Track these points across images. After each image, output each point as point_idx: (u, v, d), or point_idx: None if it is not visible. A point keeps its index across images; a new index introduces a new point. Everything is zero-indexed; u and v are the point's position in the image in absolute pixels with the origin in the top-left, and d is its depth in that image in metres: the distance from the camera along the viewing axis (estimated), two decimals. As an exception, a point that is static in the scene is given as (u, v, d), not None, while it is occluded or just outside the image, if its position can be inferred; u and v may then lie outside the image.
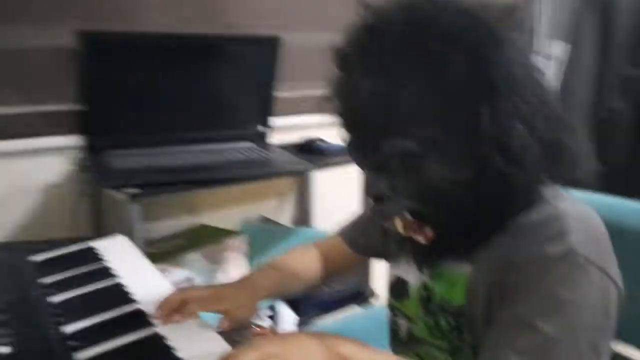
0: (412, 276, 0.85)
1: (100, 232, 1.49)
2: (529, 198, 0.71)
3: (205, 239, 1.57)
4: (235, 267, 1.50)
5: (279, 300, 1.53)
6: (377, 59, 0.65)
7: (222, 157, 1.54)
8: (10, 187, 1.41)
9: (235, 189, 1.76)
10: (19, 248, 1.09)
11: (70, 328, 0.78)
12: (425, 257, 0.78)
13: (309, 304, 1.57)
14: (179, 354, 0.72)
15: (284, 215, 1.94)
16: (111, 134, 1.51)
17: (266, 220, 1.84)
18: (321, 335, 0.66)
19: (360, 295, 1.75)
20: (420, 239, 0.73)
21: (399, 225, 0.73)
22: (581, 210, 0.71)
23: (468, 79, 0.63)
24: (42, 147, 1.45)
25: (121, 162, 1.40)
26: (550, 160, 0.70)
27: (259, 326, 1.46)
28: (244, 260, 1.55)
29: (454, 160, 0.66)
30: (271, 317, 1.51)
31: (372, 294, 1.80)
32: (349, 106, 0.70)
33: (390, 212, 0.71)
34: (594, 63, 2.20)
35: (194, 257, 1.45)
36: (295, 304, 1.56)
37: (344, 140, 0.73)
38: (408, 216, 0.72)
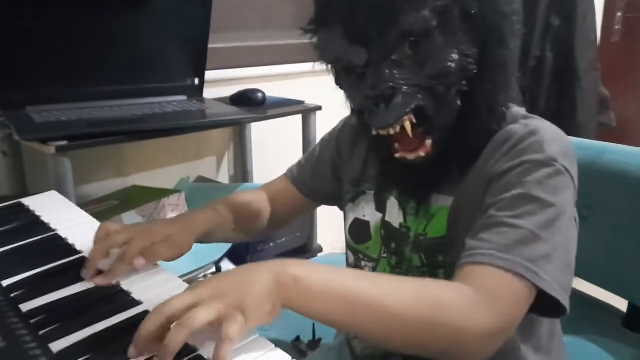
0: (372, 216, 0.84)
1: (24, 193, 1.38)
2: (507, 103, 0.74)
3: (139, 199, 1.49)
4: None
5: (225, 260, 1.50)
6: None
7: (154, 110, 1.46)
8: None
9: (167, 149, 1.68)
10: None
11: (10, 281, 0.71)
12: (415, 186, 0.77)
13: (255, 259, 1.54)
14: (134, 295, 0.68)
15: (222, 173, 1.88)
16: (30, 88, 1.39)
17: (204, 180, 1.79)
18: (269, 263, 0.59)
19: (307, 248, 1.74)
20: (420, 154, 0.71)
21: (408, 127, 0.69)
22: (553, 128, 0.73)
23: None
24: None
25: (44, 117, 1.29)
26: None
27: (204, 284, 1.42)
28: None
29: (461, 37, 0.67)
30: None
31: (319, 248, 1.80)
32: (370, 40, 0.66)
33: (401, 110, 0.68)
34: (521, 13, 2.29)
35: (131, 215, 1.38)
36: (241, 261, 1.53)
37: (337, 50, 0.69)
38: (413, 118, 0.69)
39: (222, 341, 0.51)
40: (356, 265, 0.87)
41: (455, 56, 0.67)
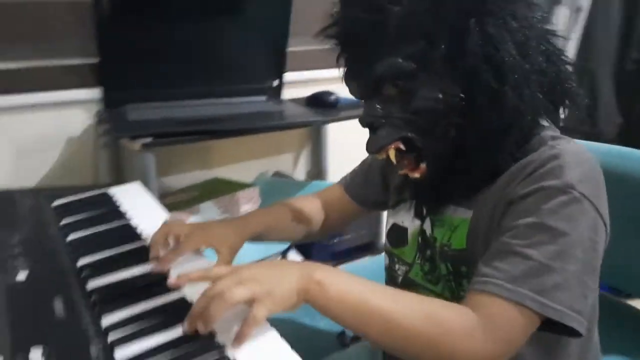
0: (410, 223, 0.88)
1: (120, 182, 1.57)
2: (521, 134, 0.73)
3: (219, 191, 1.63)
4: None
5: (292, 250, 1.60)
6: None
7: (235, 110, 1.58)
8: (35, 138, 1.49)
9: (249, 145, 1.81)
10: (42, 193, 1.17)
11: (82, 261, 0.85)
12: (427, 199, 0.81)
13: (321, 253, 1.63)
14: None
15: (299, 170, 1.98)
16: (129, 88, 1.56)
17: (280, 175, 1.90)
18: (299, 263, 0.69)
19: (372, 246, 1.80)
20: (415, 175, 0.76)
21: (392, 155, 0.75)
22: (579, 151, 0.73)
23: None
24: (64, 100, 1.51)
25: (137, 115, 1.46)
26: (549, 96, 0.74)
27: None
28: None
29: (444, 78, 0.69)
30: (283, 265, 1.58)
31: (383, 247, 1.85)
32: (343, 28, 0.73)
33: (384, 141, 0.73)
34: (619, 15, 2.15)
35: (208, 206, 1.52)
36: (307, 253, 1.63)
37: (342, 71, 0.76)
38: (401, 146, 0.73)
39: (250, 320, 0.61)
40: (390, 267, 0.92)
41: (438, 95, 0.70)
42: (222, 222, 0.93)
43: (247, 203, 1.57)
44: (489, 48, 0.68)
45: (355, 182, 1.04)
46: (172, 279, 0.70)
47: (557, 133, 0.77)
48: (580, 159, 0.71)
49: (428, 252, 0.84)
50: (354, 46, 0.73)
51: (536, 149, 0.74)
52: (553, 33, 0.75)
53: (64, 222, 0.99)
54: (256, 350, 0.62)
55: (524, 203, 0.69)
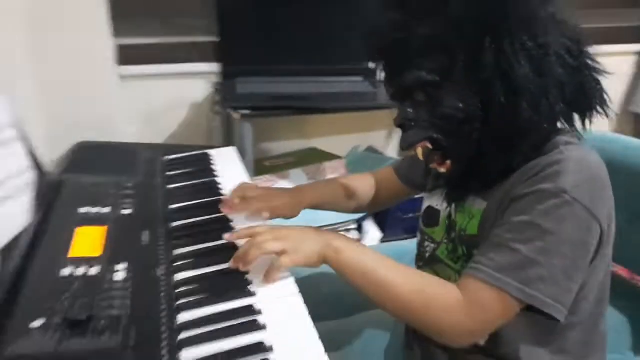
0: (442, 207, 0.98)
1: (228, 144, 1.82)
2: (537, 139, 0.80)
3: (312, 160, 1.82)
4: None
5: (368, 219, 1.75)
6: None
7: (332, 89, 1.74)
8: (162, 103, 1.78)
9: (346, 120, 1.97)
10: (159, 149, 1.44)
11: (172, 207, 1.07)
12: (451, 189, 0.92)
13: (394, 224, 1.76)
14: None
15: (391, 147, 2.11)
16: (241, 64, 1.79)
17: (372, 151, 2.04)
18: (325, 231, 0.85)
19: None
20: (442, 170, 0.86)
21: (419, 152, 0.85)
22: (583, 158, 0.79)
23: (474, 14, 0.75)
24: (188, 71, 1.78)
25: (244, 88, 1.69)
26: (572, 106, 0.80)
27: (346, 237, 1.70)
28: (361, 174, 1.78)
29: (464, 90, 0.78)
30: (359, 232, 1.74)
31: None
32: (377, 43, 0.83)
33: (412, 139, 0.83)
34: None
35: (297, 172, 1.72)
36: (382, 224, 1.77)
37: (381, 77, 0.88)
38: (428, 144, 0.83)
39: (276, 265, 0.80)
40: (421, 244, 1.03)
41: (459, 104, 0.78)
42: (285, 191, 1.10)
43: (333, 173, 1.75)
44: (503, 66, 0.75)
45: (403, 165, 1.16)
46: (226, 235, 0.88)
47: (574, 139, 0.83)
48: (581, 166, 0.78)
49: (452, 235, 0.95)
50: (386, 59, 0.84)
51: (547, 152, 0.80)
52: (579, 44, 0.80)
53: (168, 173, 1.24)
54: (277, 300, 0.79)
55: (521, 202, 0.77)
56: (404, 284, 0.78)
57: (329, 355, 0.68)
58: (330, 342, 0.91)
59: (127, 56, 1.69)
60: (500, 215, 0.81)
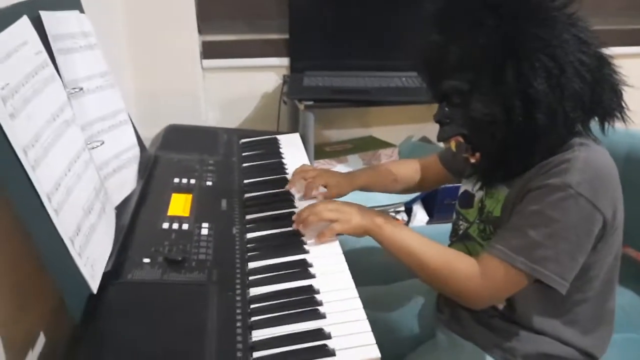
0: (477, 192, 1.11)
1: (294, 131, 2.01)
2: (554, 141, 0.91)
3: (369, 147, 1.98)
4: (385, 171, 1.91)
5: (417, 202, 1.90)
6: (440, 20, 0.94)
7: (388, 83, 1.89)
8: (239, 92, 2.00)
9: (403, 111, 2.10)
10: (235, 133, 1.64)
11: (246, 181, 1.28)
12: (480, 178, 1.04)
13: (441, 209, 1.89)
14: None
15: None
16: (308, 59, 1.97)
17: (425, 140, 2.17)
18: (372, 210, 1.02)
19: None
20: (472, 160, 0.99)
21: (452, 145, 0.99)
22: (591, 157, 0.90)
23: (498, 40, 0.87)
24: (262, 65, 1.98)
25: (310, 81, 1.86)
26: (590, 112, 0.91)
27: (396, 219, 1.85)
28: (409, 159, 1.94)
29: (489, 101, 0.90)
30: (407, 214, 1.89)
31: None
32: (422, 55, 0.98)
33: (447, 134, 0.97)
34: None
35: (354, 158, 1.88)
36: (429, 208, 1.91)
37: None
38: (461, 139, 0.97)
39: (329, 229, 0.98)
40: (456, 223, 1.17)
41: (485, 110, 0.90)
42: (339, 173, 1.27)
43: (387, 160, 1.90)
44: (522, 84, 0.86)
45: (447, 153, 1.29)
46: (295, 224, 1.03)
47: (589, 140, 0.94)
48: (587, 164, 0.89)
49: (482, 216, 1.08)
50: (427, 69, 0.98)
51: (563, 151, 0.92)
52: (599, 60, 0.90)
53: (243, 154, 1.44)
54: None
55: (534, 194, 0.90)
56: (433, 255, 0.94)
57: (372, 314, 0.83)
58: (374, 303, 1.10)
59: (211, 51, 1.92)
60: (518, 202, 0.93)
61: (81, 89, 0.99)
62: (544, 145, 0.92)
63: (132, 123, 1.24)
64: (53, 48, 0.91)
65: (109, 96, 1.11)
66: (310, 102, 1.68)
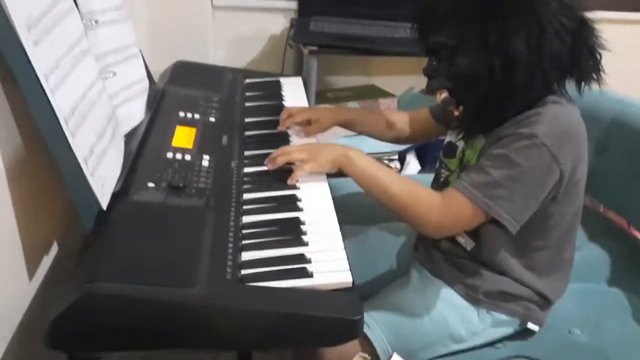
0: (459, 143, 1.18)
1: (298, 74, 2.06)
2: (531, 97, 0.98)
3: (369, 95, 2.04)
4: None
5: (411, 152, 1.97)
6: None
7: (393, 33, 1.92)
8: (247, 33, 2.03)
9: (405, 62, 2.13)
10: (240, 72, 1.69)
11: (247, 120, 1.35)
12: (461, 128, 1.11)
13: (433, 160, 1.97)
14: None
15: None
16: (317, 3, 2.00)
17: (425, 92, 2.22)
18: (343, 145, 1.08)
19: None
20: (455, 113, 1.08)
21: (438, 97, 1.09)
22: (560, 113, 0.99)
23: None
24: (270, 6, 2.01)
25: (316, 26, 1.89)
26: (567, 72, 0.98)
27: (388, 166, 1.93)
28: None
29: (474, 55, 0.96)
30: (401, 163, 1.97)
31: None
32: (417, 10, 1.05)
33: (433, 86, 1.04)
34: None
35: (354, 105, 1.94)
36: (422, 158, 1.98)
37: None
38: (446, 92, 1.06)
39: (299, 168, 1.04)
40: (438, 170, 1.24)
41: (469, 65, 0.96)
42: (327, 107, 1.35)
43: (385, 108, 1.96)
44: (504, 42, 0.92)
45: (438, 107, 1.35)
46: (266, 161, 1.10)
47: (562, 99, 1.01)
48: (556, 119, 0.97)
49: (462, 165, 1.16)
50: (419, 22, 1.05)
51: (537, 107, 0.99)
52: (581, 24, 0.96)
53: (247, 94, 1.51)
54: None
55: (502, 141, 0.97)
56: (399, 186, 1.02)
57: (355, 250, 0.93)
58: (357, 240, 1.20)
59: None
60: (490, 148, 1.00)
61: (96, 21, 1.05)
62: (521, 101, 0.98)
63: (143, 57, 1.30)
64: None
65: (122, 30, 1.16)
66: (314, 48, 1.72)
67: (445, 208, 0.99)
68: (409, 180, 1.07)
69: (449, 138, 1.24)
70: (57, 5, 0.86)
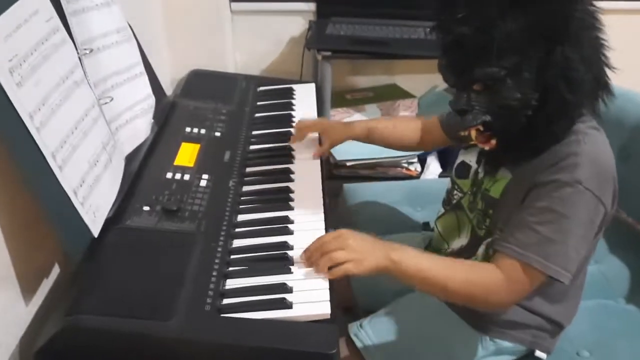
0: (473, 164, 1.12)
1: (315, 79, 2.05)
2: (568, 124, 0.92)
3: (391, 96, 2.00)
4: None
5: (432, 154, 1.93)
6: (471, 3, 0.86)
7: (413, 34, 1.87)
8: (266, 36, 2.03)
9: (429, 61, 2.09)
10: (254, 80, 1.70)
11: (254, 132, 1.36)
12: (488, 160, 1.04)
13: (455, 157, 1.92)
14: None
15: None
16: (335, 4, 1.97)
17: (450, 90, 2.15)
18: (385, 245, 0.93)
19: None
20: (486, 147, 0.97)
21: (473, 134, 0.96)
22: (597, 152, 0.93)
23: (549, 24, 0.84)
24: (290, 9, 2.00)
25: (333, 29, 1.87)
26: (594, 97, 0.93)
27: (408, 169, 1.90)
28: (412, 117, 1.97)
29: (527, 85, 0.87)
30: (421, 165, 1.93)
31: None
32: (458, 34, 0.86)
33: (469, 123, 0.92)
34: None
35: (372, 107, 1.92)
36: (443, 158, 1.94)
37: (439, 61, 0.92)
38: (481, 128, 0.93)
39: (338, 270, 0.89)
40: (450, 192, 1.19)
41: (518, 95, 0.87)
42: (339, 122, 1.33)
43: (405, 110, 1.92)
44: (566, 68, 0.85)
45: (448, 118, 1.28)
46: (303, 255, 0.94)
47: (591, 129, 0.95)
48: (595, 159, 0.91)
49: (474, 189, 1.10)
50: (459, 52, 0.87)
51: (568, 139, 0.92)
52: (606, 44, 0.91)
53: (257, 103, 1.51)
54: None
55: (542, 189, 0.91)
56: (455, 280, 0.93)
57: None
58: None
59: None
60: (522, 193, 0.95)
61: (91, 50, 1.07)
62: (561, 128, 0.92)
63: (153, 71, 1.33)
64: (66, 11, 0.99)
65: (125, 51, 1.19)
66: (328, 53, 1.71)
67: (508, 282, 0.93)
68: (461, 265, 0.99)
69: (462, 157, 1.18)
70: (48, 40, 0.88)
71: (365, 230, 0.98)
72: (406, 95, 2.00)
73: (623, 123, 1.34)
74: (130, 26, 1.24)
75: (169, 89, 1.61)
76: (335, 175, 1.84)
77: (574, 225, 0.90)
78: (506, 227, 0.96)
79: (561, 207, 0.89)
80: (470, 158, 1.14)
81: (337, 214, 1.52)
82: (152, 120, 1.27)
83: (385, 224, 1.45)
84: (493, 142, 0.96)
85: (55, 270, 0.98)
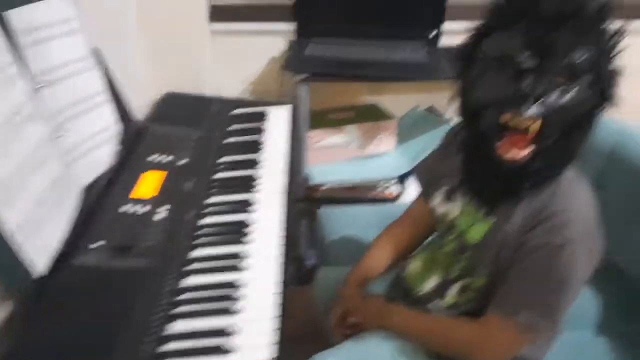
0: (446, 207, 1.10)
1: (295, 100, 2.02)
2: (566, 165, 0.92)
3: (369, 116, 1.97)
4: (381, 143, 1.93)
5: (412, 176, 1.91)
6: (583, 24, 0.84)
7: (393, 56, 1.85)
8: (246, 57, 2.01)
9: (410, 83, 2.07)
10: (229, 103, 1.67)
11: (220, 159, 1.34)
12: (485, 199, 0.99)
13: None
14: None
15: (452, 109, 2.17)
16: (315, 23, 1.93)
17: (432, 111, 2.14)
18: (384, 309, 1.12)
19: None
20: (520, 153, 0.87)
21: (537, 125, 0.84)
22: (584, 204, 0.93)
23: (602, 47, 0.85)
24: (269, 30, 1.98)
25: (312, 49, 1.85)
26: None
27: (385, 192, 1.88)
28: (391, 139, 1.95)
29: (584, 93, 0.84)
30: (401, 185, 1.91)
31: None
32: (545, 55, 0.83)
33: (532, 112, 0.82)
34: None
35: (351, 128, 1.90)
36: (423, 182, 1.92)
37: (510, 50, 0.84)
38: (538, 124, 0.84)
39: (348, 324, 1.09)
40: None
41: (577, 102, 0.84)
42: (351, 289, 1.21)
43: (384, 132, 1.91)
44: (607, 86, 0.86)
45: (427, 187, 1.20)
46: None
47: (573, 174, 0.95)
48: (584, 213, 0.92)
49: (452, 228, 1.09)
50: (565, 25, 0.82)
51: (554, 188, 0.93)
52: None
53: (228, 128, 1.50)
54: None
55: (535, 254, 0.91)
56: (437, 337, 1.05)
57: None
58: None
59: (219, 14, 1.94)
60: (510, 244, 0.95)
61: (55, 79, 1.06)
62: (571, 158, 0.93)
63: (120, 97, 1.31)
64: (21, 43, 0.98)
65: (87, 80, 1.18)
66: (305, 75, 1.69)
67: (489, 342, 0.97)
68: (446, 324, 1.07)
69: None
70: (-8, 77, 0.87)
71: (339, 263, 0.99)
72: (385, 117, 1.97)
73: (596, 150, 1.33)
74: (99, 51, 1.23)
75: (145, 112, 1.60)
76: (312, 198, 1.82)
77: (572, 288, 0.91)
78: (498, 292, 0.96)
79: (557, 272, 0.89)
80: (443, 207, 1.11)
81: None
82: (119, 148, 1.26)
83: (361, 249, 1.43)
84: (526, 152, 0.87)
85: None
